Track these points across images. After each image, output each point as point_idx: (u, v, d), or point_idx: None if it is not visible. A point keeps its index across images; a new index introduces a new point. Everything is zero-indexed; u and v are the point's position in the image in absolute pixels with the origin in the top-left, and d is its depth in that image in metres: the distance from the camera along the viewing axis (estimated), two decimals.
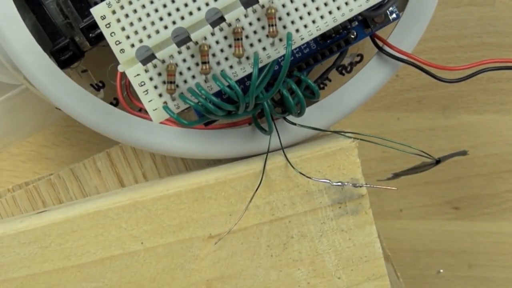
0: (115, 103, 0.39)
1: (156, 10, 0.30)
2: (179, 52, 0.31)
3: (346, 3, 0.31)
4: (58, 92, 0.34)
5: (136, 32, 0.30)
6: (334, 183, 0.34)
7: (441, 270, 0.45)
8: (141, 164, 0.39)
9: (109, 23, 0.30)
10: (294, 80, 0.34)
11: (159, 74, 0.31)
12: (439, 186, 0.45)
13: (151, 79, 0.31)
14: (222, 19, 0.30)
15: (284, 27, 0.31)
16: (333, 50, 0.36)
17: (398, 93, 0.44)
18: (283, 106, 0.34)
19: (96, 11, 0.30)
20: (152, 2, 0.30)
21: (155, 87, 0.31)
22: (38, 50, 0.34)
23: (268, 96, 0.32)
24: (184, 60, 0.31)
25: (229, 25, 0.31)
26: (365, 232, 0.35)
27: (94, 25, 0.34)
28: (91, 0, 0.34)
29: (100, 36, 0.34)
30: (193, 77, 0.31)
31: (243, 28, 0.31)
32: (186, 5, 0.30)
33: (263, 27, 0.31)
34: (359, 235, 0.35)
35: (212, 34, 0.31)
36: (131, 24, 0.30)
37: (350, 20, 0.35)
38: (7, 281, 0.33)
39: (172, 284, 0.34)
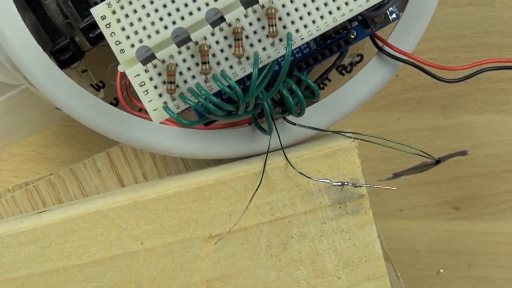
0: (115, 103, 0.39)
1: (156, 10, 0.30)
2: (179, 52, 0.31)
3: (346, 3, 0.31)
4: (58, 92, 0.34)
5: (136, 32, 0.30)
6: (334, 183, 0.34)
7: (441, 270, 0.45)
8: (141, 164, 0.39)
9: (109, 23, 0.30)
10: (294, 80, 0.34)
11: (159, 74, 0.31)
12: (439, 186, 0.45)
13: (151, 79, 0.31)
14: (222, 19, 0.30)
15: (284, 27, 0.31)
16: (333, 50, 0.36)
17: (398, 93, 0.44)
18: (283, 106, 0.34)
19: (96, 11, 0.30)
20: (152, 2, 0.30)
21: (155, 87, 0.31)
22: (38, 50, 0.34)
23: (268, 96, 0.32)
24: (184, 60, 0.31)
25: (229, 25, 0.31)
26: (365, 232, 0.35)
27: (94, 25, 0.34)
28: (91, 0, 0.34)
29: (100, 36, 0.34)
30: (193, 77, 0.31)
31: (243, 28, 0.31)
32: (186, 5, 0.30)
33: (263, 27, 0.31)
34: (359, 235, 0.35)
35: (212, 34, 0.31)
36: (131, 24, 0.30)
37: (350, 20, 0.35)
38: (7, 281, 0.33)
39: (172, 284, 0.34)
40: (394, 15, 0.36)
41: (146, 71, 0.31)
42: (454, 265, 0.45)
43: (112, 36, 0.30)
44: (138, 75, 0.31)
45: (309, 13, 0.31)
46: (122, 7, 0.30)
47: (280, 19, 0.31)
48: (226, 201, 0.34)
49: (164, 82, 0.31)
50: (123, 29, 0.30)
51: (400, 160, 0.43)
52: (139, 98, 0.31)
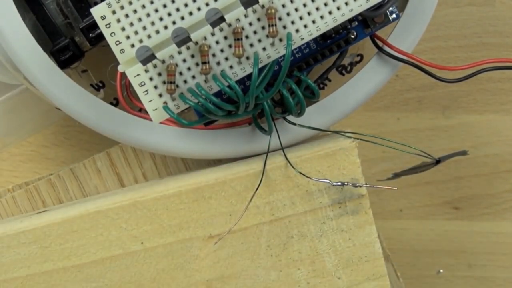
0: (115, 103, 0.39)
1: (156, 10, 0.30)
2: (179, 52, 0.31)
3: (346, 3, 0.31)
4: (58, 92, 0.34)
5: (136, 32, 0.30)
6: (334, 183, 0.34)
7: (441, 270, 0.45)
8: (141, 164, 0.39)
9: (109, 23, 0.30)
10: (294, 80, 0.34)
11: (159, 74, 0.31)
12: (439, 186, 0.45)
13: (151, 79, 0.31)
14: (222, 19, 0.30)
15: (284, 27, 0.31)
16: (333, 50, 0.36)
17: (398, 93, 0.44)
18: (283, 106, 0.34)
19: (96, 11, 0.30)
20: (152, 2, 0.30)
21: (155, 87, 0.31)
22: (38, 50, 0.34)
23: (268, 96, 0.32)
24: (184, 60, 0.31)
25: (229, 25, 0.31)
26: (365, 232, 0.35)
27: (94, 25, 0.34)
28: (91, 0, 0.34)
29: (100, 36, 0.34)
30: (193, 77, 0.31)
31: (243, 28, 0.31)
32: (186, 5, 0.30)
33: (263, 27, 0.31)
34: (359, 235, 0.35)
35: (212, 34, 0.31)
36: (131, 24, 0.30)
37: (350, 20, 0.35)
38: (7, 281, 0.33)
39: (172, 284, 0.34)
40: (394, 15, 0.36)
41: (146, 71, 0.31)
42: (454, 265, 0.45)
43: (112, 36, 0.30)
44: (138, 75, 0.31)
45: (309, 13, 0.31)
46: (122, 7, 0.30)
47: (280, 19, 0.31)
48: (226, 201, 0.34)
49: (164, 82, 0.31)
50: (123, 29, 0.30)
51: (400, 160, 0.43)
52: (139, 98, 0.31)
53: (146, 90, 0.31)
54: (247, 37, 0.31)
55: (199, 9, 0.30)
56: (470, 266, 0.45)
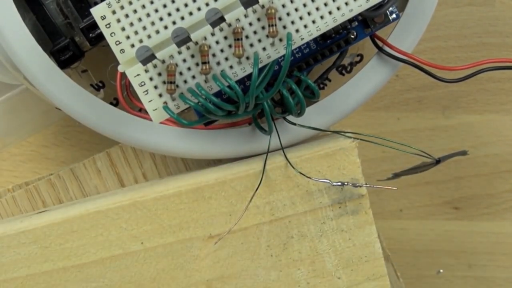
0: (115, 103, 0.39)
1: (156, 10, 0.30)
2: (179, 52, 0.31)
3: (346, 3, 0.31)
4: (58, 92, 0.34)
5: (136, 32, 0.30)
6: (334, 183, 0.34)
7: (441, 270, 0.45)
8: (141, 164, 0.39)
9: (109, 23, 0.30)
10: (294, 80, 0.34)
11: (159, 74, 0.31)
12: (439, 186, 0.45)
13: (151, 79, 0.31)
14: (222, 19, 0.30)
15: (284, 27, 0.31)
16: (333, 50, 0.36)
17: (398, 93, 0.44)
18: (283, 106, 0.34)
19: (96, 11, 0.30)
20: (152, 3, 0.30)
21: (155, 87, 0.31)
22: (38, 50, 0.34)
23: (268, 96, 0.32)
24: (184, 60, 0.31)
25: (229, 25, 0.31)
26: (365, 232, 0.35)
27: (94, 25, 0.34)
28: (91, 0, 0.34)
29: (100, 36, 0.34)
30: (193, 77, 0.31)
31: (243, 28, 0.31)
32: (186, 5, 0.30)
33: (263, 27, 0.31)
34: (359, 235, 0.35)
35: (212, 34, 0.31)
36: (131, 24, 0.30)
37: (350, 20, 0.35)
38: (7, 281, 0.33)
39: (172, 284, 0.34)
40: (394, 15, 0.36)
41: (146, 71, 0.31)
42: (454, 265, 0.45)
43: (112, 36, 0.30)
44: (138, 75, 0.31)
45: (309, 13, 0.31)
46: (122, 7, 0.30)
47: (280, 19, 0.31)
48: (226, 201, 0.34)
49: (164, 82, 0.31)
50: (123, 29, 0.30)
51: (400, 160, 0.43)
52: (139, 98, 0.31)
53: (146, 90, 0.31)
54: (247, 37, 0.31)
55: (199, 9, 0.30)
56: (470, 266, 0.45)
